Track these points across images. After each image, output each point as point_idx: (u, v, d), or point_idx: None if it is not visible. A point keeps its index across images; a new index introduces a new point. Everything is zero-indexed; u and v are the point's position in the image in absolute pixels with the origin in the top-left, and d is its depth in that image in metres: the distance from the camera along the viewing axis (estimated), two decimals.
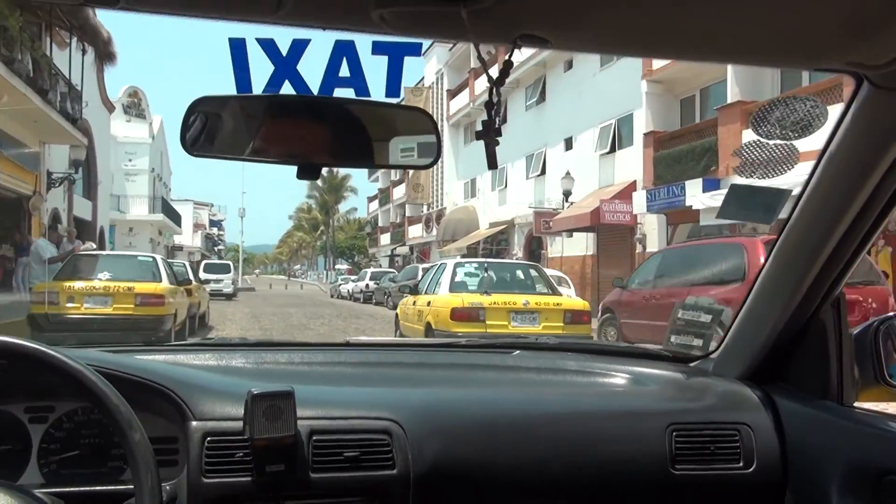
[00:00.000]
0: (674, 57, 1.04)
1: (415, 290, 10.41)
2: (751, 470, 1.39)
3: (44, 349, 1.00)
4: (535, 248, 23.39)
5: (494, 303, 8.26)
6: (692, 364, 1.75)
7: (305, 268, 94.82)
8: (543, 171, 22.59)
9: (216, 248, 73.32)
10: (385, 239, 45.24)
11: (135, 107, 32.91)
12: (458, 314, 8.13)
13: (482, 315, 8.14)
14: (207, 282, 22.06)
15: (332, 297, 34.28)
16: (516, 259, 21.38)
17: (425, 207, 35.92)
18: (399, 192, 41.50)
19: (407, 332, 10.27)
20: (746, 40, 0.92)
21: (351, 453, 1.23)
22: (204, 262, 28.71)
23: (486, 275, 8.89)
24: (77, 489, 1.20)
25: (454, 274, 9.28)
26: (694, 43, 0.96)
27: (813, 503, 1.34)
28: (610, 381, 1.67)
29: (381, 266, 38.42)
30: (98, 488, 1.22)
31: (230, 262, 30.50)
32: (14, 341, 0.99)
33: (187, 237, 50.52)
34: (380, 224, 48.12)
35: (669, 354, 1.92)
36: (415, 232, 36.63)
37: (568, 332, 8.15)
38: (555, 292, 9.19)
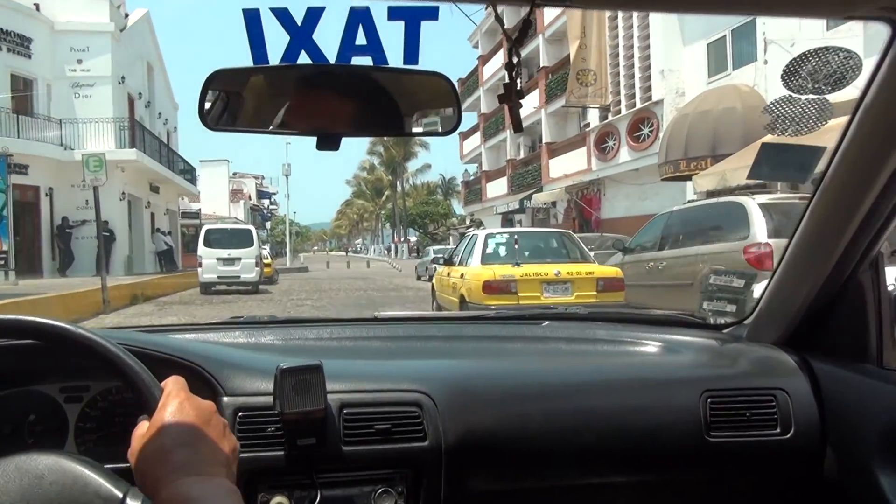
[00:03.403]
0: (702, 11, 1.05)
1: (449, 261, 10.77)
2: (788, 435, 1.42)
3: (74, 329, 1.04)
4: None
5: (526, 274, 8.48)
6: (725, 330, 1.78)
7: (368, 241, 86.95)
8: None
9: (265, 223, 67.94)
10: (497, 188, 34.37)
11: None
12: (490, 287, 8.41)
13: (514, 287, 8.40)
14: (211, 264, 18.48)
15: (419, 278, 25.44)
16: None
17: (589, 118, 23.23)
18: (529, 105, 27.87)
19: (443, 303, 10.78)
20: None
21: (382, 426, 1.28)
22: (205, 227, 20.71)
23: (516, 247, 9.08)
24: (114, 466, 1.25)
25: (485, 245, 9.55)
26: None
27: (852, 468, 1.37)
28: (641, 349, 1.71)
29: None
30: None
31: (251, 228, 21.04)
32: (46, 321, 1.03)
33: (218, 205, 43.62)
34: (485, 168, 36.91)
35: (702, 321, 1.96)
36: (563, 165, 25.57)
37: (601, 300, 8.33)
38: (587, 260, 9.34)
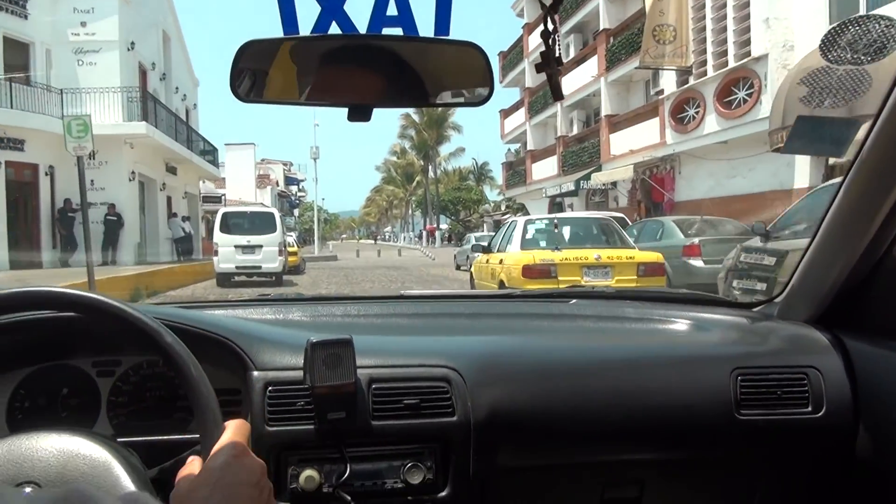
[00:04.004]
0: None
1: (487, 249, 12.02)
2: (820, 414, 1.57)
3: (113, 302, 1.18)
4: None
5: (566, 258, 9.51)
6: (756, 309, 1.94)
7: (397, 229, 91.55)
8: None
9: (292, 210, 72.42)
10: (544, 168, 34.69)
11: None
12: (530, 271, 9.41)
13: (554, 271, 9.40)
14: (229, 252, 18.46)
15: (458, 268, 26.39)
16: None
17: (662, 84, 22.15)
18: (586, 75, 28.74)
19: (481, 289, 11.56)
20: None
21: (411, 401, 1.44)
22: (222, 210, 20.61)
23: (556, 231, 10.28)
24: (145, 438, 1.42)
25: (525, 231, 10.65)
26: None
27: (885, 447, 1.50)
28: (670, 327, 1.88)
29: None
30: (165, 438, 1.45)
31: (274, 212, 20.80)
32: (88, 295, 1.17)
33: (244, 190, 45.15)
34: (530, 147, 37.29)
35: (731, 300, 2.10)
36: (627, 140, 24.87)
37: (642, 284, 9.21)
38: (627, 245, 10.29)
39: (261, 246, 18.76)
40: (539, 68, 1.23)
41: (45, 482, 1.03)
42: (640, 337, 1.85)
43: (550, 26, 1.22)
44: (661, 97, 22.35)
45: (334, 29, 1.43)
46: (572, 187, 28.91)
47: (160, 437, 1.44)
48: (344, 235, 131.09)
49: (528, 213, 33.29)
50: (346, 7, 1.44)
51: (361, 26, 1.43)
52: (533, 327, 1.93)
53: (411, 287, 17.80)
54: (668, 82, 21.36)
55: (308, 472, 1.38)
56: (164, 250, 26.00)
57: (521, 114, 39.23)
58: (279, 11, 1.43)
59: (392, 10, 1.41)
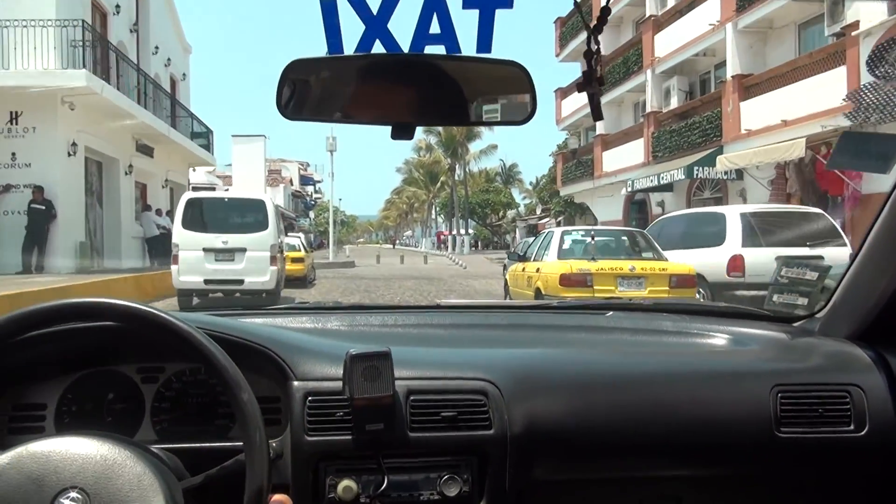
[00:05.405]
0: None
1: (524, 258, 15.99)
2: (863, 433, 1.98)
3: (159, 313, 1.58)
4: None
5: (601, 269, 12.98)
6: (796, 324, 2.44)
7: (418, 233, 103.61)
8: None
9: (308, 212, 79.69)
10: (620, 157, 35.28)
11: None
12: (567, 280, 12.78)
13: (590, 281, 12.78)
14: (194, 259, 16.48)
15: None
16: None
17: (858, 12, 19.43)
18: (689, 28, 29.08)
19: (517, 297, 16.01)
20: None
21: (448, 413, 1.85)
22: (187, 196, 18.29)
23: (592, 242, 13.93)
24: (188, 445, 1.84)
25: (561, 241, 14.52)
26: None
27: None
28: (709, 341, 2.38)
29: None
30: (207, 445, 1.87)
31: (264, 199, 18.46)
32: (129, 304, 1.60)
33: (253, 187, 46.39)
34: (601, 130, 38.20)
35: (772, 314, 2.62)
36: (773, 108, 23.37)
37: (674, 295, 12.64)
38: (660, 257, 13.89)
39: (243, 250, 16.93)
40: (580, 87, 1.65)
41: (86, 487, 1.43)
42: (679, 350, 2.35)
43: (594, 46, 1.60)
44: (851, 35, 19.64)
45: (378, 47, 1.96)
46: (679, 176, 27.79)
47: (203, 445, 1.88)
48: (361, 239, 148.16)
49: (594, 213, 35.26)
50: (389, 25, 1.96)
51: (405, 44, 1.96)
52: (570, 340, 2.46)
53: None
54: (870, 11, 18.31)
55: (346, 483, 1.79)
56: (129, 251, 25.94)
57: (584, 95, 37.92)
58: (324, 29, 1.97)
59: (435, 28, 1.94)
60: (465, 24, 2.00)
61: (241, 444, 1.61)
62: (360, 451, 1.81)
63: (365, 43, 1.97)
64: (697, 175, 26.83)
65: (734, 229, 14.53)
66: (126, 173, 26.51)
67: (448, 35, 1.95)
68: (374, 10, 1.96)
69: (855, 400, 2.02)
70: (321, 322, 2.43)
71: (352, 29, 1.96)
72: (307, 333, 2.20)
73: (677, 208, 26.60)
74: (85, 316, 1.64)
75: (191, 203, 17.51)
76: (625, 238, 15.35)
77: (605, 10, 1.38)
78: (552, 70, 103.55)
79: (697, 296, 13.91)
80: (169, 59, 33.00)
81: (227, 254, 16.86)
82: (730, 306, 2.83)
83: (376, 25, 1.96)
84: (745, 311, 2.70)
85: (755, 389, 2.03)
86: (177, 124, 30.66)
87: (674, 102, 31.86)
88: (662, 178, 28.90)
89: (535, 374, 2.01)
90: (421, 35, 1.95)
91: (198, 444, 1.88)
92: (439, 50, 1.95)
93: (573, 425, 1.94)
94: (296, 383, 1.86)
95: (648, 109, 33.03)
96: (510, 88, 1.84)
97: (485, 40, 1.95)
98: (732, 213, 15.04)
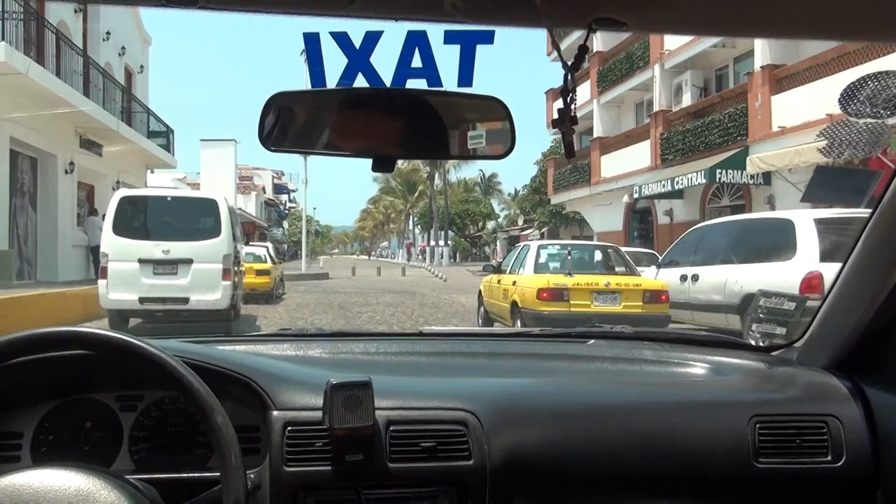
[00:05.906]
0: (761, 35, 1.53)
1: (498, 269, 18.00)
2: (839, 464, 2.19)
3: (134, 340, 1.71)
4: None
5: (577, 283, 14.51)
6: (775, 353, 2.69)
7: (395, 244, 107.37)
8: None
9: (281, 221, 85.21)
10: (621, 161, 35.33)
11: None
12: (544, 294, 14.34)
13: (566, 295, 14.35)
14: (127, 272, 14.91)
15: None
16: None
17: None
18: None
19: (491, 308, 17.80)
20: (841, 13, 1.31)
21: (428, 444, 2.02)
22: (119, 194, 16.50)
23: (569, 258, 15.70)
24: (165, 476, 2.00)
25: (538, 255, 16.16)
26: (782, 18, 1.34)
27: None
28: (688, 370, 2.62)
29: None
30: (185, 475, 2.03)
31: (216, 199, 16.75)
32: (104, 333, 1.74)
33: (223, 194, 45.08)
34: (599, 132, 39.01)
35: (750, 343, 2.87)
36: (811, 101, 21.99)
37: (647, 310, 14.37)
38: (633, 273, 15.71)
39: (189, 261, 15.63)
40: (555, 124, 1.72)
41: None
42: (659, 380, 2.59)
43: (570, 85, 1.66)
44: None
45: (360, 80, 2.18)
46: (699, 180, 26.76)
47: (181, 475, 2.04)
48: (335, 251, 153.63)
49: (589, 223, 36.16)
50: (372, 59, 2.19)
51: (387, 77, 2.17)
52: (551, 369, 2.69)
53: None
54: None
55: None
56: (67, 263, 25.05)
57: (582, 91, 38.87)
58: (307, 64, 2.21)
59: (417, 62, 2.16)
60: (447, 57, 2.19)
61: (219, 474, 1.75)
62: (340, 482, 1.98)
63: (347, 76, 2.19)
64: (720, 179, 25.98)
65: (808, 240, 12.43)
66: (66, 172, 25.57)
67: (429, 69, 2.16)
68: (357, 44, 2.17)
69: (832, 430, 2.23)
70: (303, 349, 2.63)
71: (335, 62, 2.17)
72: (288, 361, 2.38)
73: (688, 217, 26.62)
74: (58, 345, 1.80)
75: (125, 202, 16.03)
76: (599, 253, 17.64)
77: (583, 49, 1.46)
78: (542, 71, 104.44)
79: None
80: (123, 49, 32.84)
81: (168, 266, 15.57)
82: (710, 335, 3.09)
83: (359, 59, 2.18)
84: (724, 340, 2.95)
85: (734, 420, 2.24)
86: (132, 120, 30.47)
87: (686, 100, 31.59)
88: (677, 182, 28.03)
89: (514, 405, 2.21)
90: (403, 68, 2.16)
91: (175, 475, 2.05)
92: (421, 84, 2.16)
93: (553, 457, 2.12)
94: (275, 413, 2.02)
95: (656, 108, 32.80)
96: (490, 122, 1.98)
97: (466, 75, 2.16)
98: (804, 220, 12.84)
